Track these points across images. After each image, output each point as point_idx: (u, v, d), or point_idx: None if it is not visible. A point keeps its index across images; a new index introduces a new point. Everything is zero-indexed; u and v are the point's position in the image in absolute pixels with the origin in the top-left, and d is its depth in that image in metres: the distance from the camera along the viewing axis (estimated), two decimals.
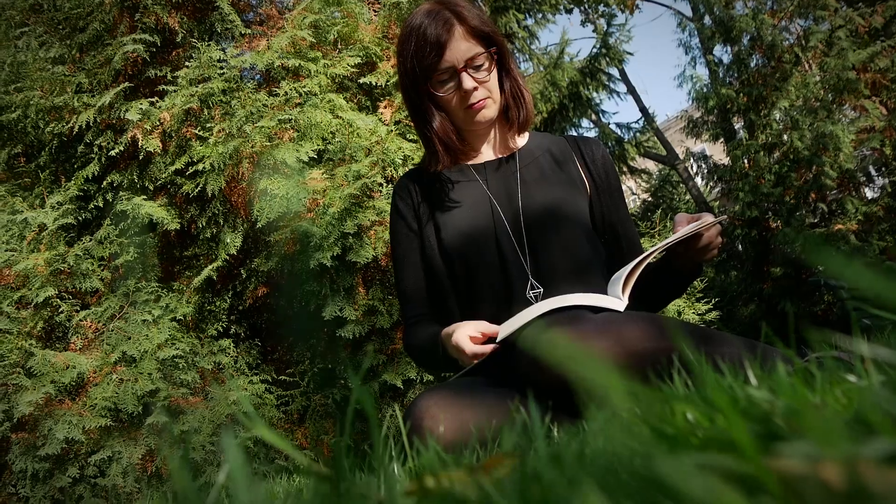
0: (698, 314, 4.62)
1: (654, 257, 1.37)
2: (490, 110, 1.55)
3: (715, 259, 10.77)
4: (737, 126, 11.13)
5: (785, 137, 9.92)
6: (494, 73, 1.55)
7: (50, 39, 3.39)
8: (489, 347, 1.29)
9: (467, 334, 1.33)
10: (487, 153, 1.66)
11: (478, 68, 1.51)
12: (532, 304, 1.39)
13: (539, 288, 1.45)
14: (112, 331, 2.96)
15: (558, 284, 1.45)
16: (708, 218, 1.35)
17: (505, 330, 1.28)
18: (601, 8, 10.97)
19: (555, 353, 1.12)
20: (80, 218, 3.17)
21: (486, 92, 1.53)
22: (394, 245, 1.66)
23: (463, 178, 1.62)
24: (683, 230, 1.32)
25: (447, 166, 1.59)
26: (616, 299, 1.28)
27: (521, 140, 1.69)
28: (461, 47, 1.48)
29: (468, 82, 1.49)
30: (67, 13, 3.38)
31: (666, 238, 1.34)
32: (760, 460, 0.24)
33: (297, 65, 3.36)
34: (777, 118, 10.17)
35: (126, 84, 3.18)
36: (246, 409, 2.97)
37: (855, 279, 0.25)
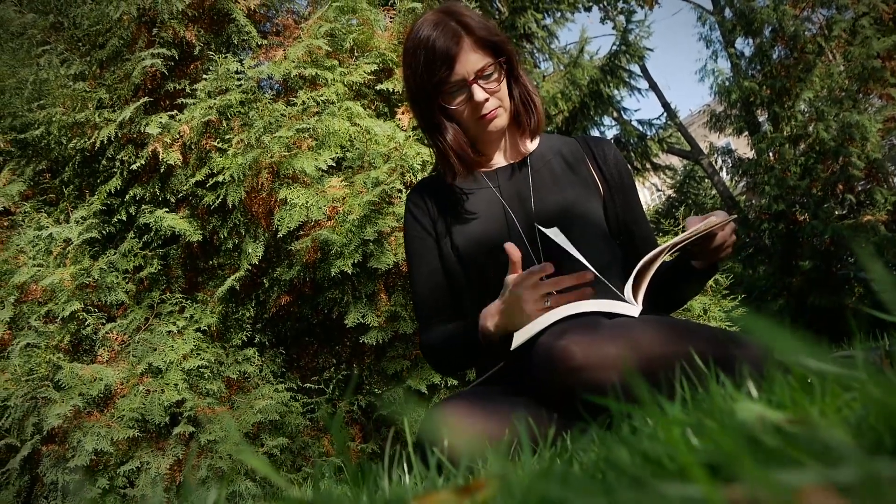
0: (725, 311, 4.57)
1: (669, 256, 1.36)
2: (501, 119, 1.55)
3: (740, 255, 10.66)
4: (761, 119, 11.03)
5: (810, 129, 9.81)
6: (504, 82, 1.54)
7: (71, 57, 3.43)
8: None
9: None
10: (499, 160, 1.66)
11: (487, 78, 1.50)
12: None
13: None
14: (138, 342, 2.99)
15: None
16: (715, 218, 1.34)
17: (520, 337, 1.28)
18: (620, 4, 10.93)
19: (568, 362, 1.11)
20: (105, 232, 3.20)
21: (497, 101, 1.52)
22: (408, 249, 1.66)
23: (476, 186, 1.62)
24: (690, 230, 1.31)
25: (463, 177, 1.58)
26: (630, 304, 1.27)
27: (533, 144, 1.68)
28: (470, 59, 1.48)
29: (479, 94, 1.49)
30: (87, 30, 3.42)
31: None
32: (712, 488, 0.24)
33: (313, 74, 3.37)
34: (802, 109, 10.06)
35: (146, 98, 3.21)
36: (271, 419, 2.99)
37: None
